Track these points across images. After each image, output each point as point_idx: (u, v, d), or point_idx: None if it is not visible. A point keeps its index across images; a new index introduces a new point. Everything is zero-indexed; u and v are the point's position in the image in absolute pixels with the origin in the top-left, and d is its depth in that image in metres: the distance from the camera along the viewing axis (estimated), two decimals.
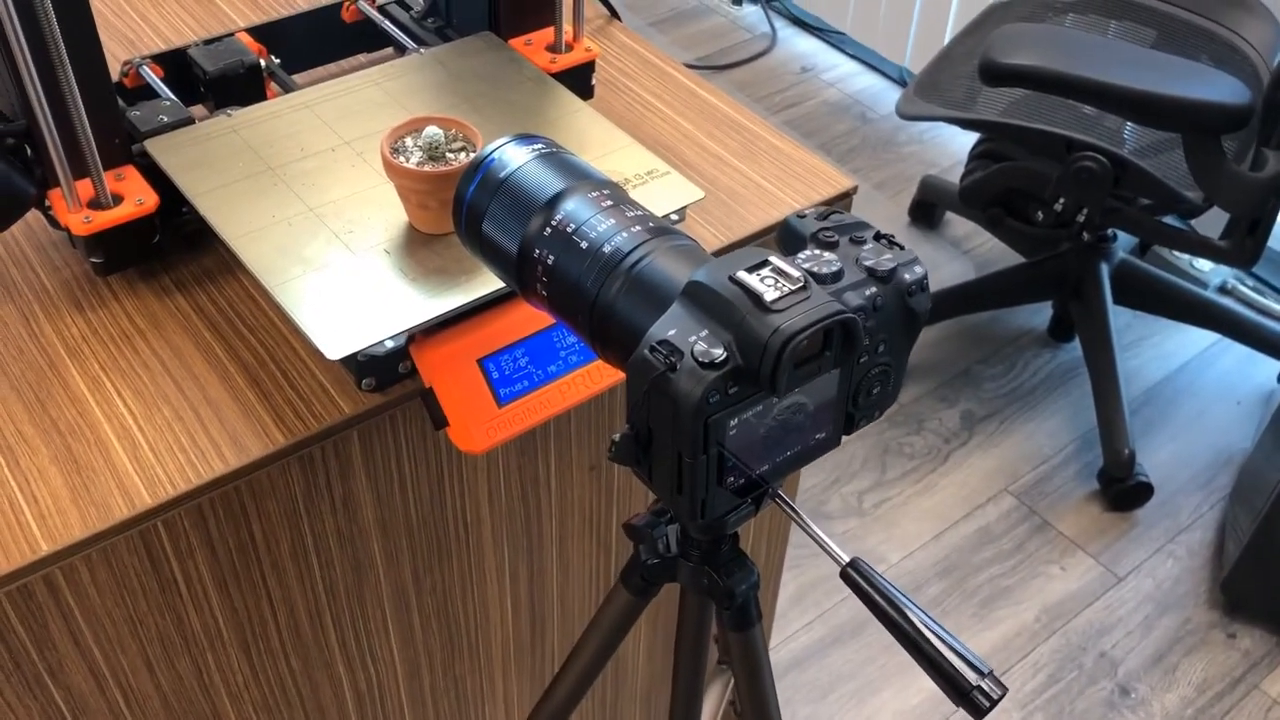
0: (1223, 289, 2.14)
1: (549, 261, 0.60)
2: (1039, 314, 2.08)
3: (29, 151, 0.78)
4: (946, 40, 2.46)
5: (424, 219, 0.75)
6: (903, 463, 1.84)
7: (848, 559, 0.57)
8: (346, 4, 1.01)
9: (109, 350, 0.78)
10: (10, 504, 0.68)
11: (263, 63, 0.94)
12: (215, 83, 0.92)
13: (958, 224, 2.28)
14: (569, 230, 0.59)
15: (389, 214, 0.77)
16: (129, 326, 0.80)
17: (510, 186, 0.62)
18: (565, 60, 0.95)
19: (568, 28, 0.96)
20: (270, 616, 0.80)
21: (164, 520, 0.70)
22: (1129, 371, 1.98)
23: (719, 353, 0.49)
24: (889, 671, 1.58)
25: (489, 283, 0.73)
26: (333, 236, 0.75)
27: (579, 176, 0.62)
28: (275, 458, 0.72)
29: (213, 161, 0.81)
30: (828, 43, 2.76)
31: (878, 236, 0.56)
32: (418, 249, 0.75)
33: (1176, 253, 2.17)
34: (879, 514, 1.77)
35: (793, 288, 0.50)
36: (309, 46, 1.02)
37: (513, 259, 0.62)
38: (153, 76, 0.91)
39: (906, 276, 0.55)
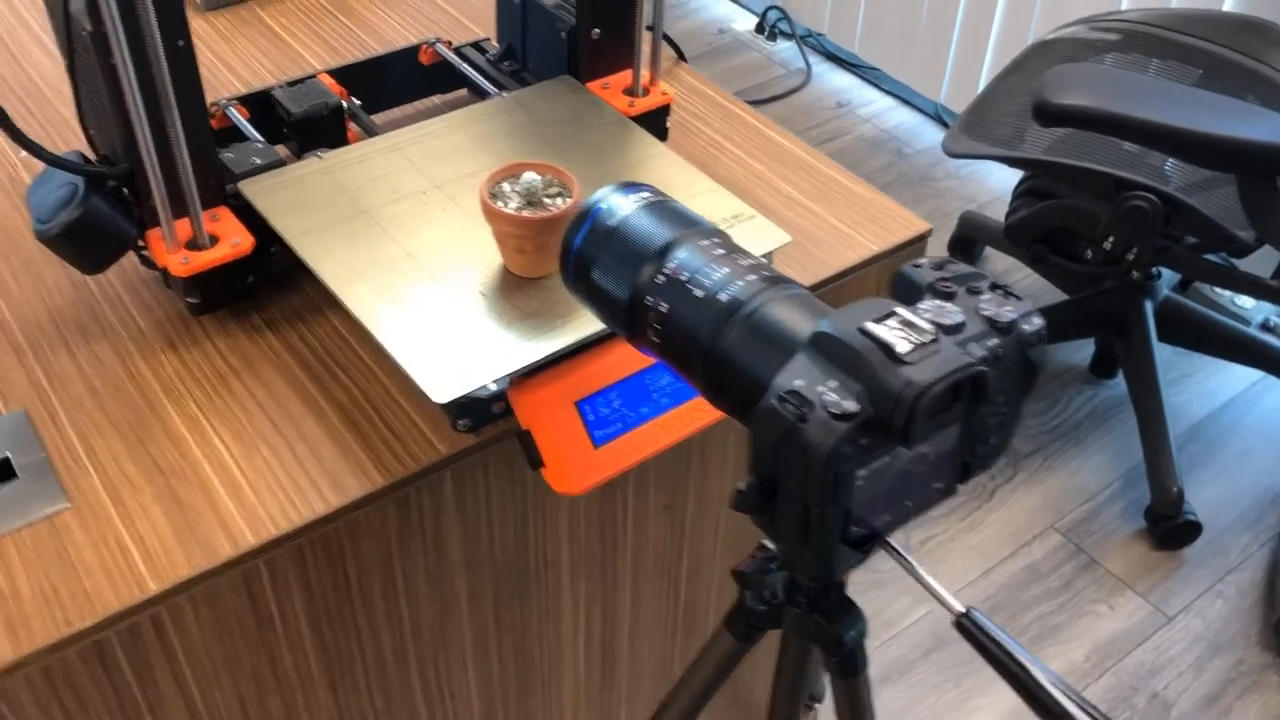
0: (1265, 326, 2.14)
1: (663, 309, 0.60)
2: (1081, 350, 2.09)
3: (128, 193, 0.80)
4: (983, 77, 2.48)
5: (520, 263, 0.76)
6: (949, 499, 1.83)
7: (962, 609, 0.57)
8: (424, 47, 1.03)
9: (205, 390, 0.79)
10: (118, 543, 0.69)
11: (345, 104, 0.95)
12: (300, 124, 0.93)
13: (996, 259, 2.28)
14: (683, 279, 0.60)
15: (483, 256, 0.78)
16: (223, 366, 0.81)
17: (620, 235, 0.63)
18: (643, 104, 0.96)
19: (645, 72, 0.97)
20: (358, 654, 0.81)
21: (266, 559, 0.71)
22: (1172, 408, 1.98)
23: (851, 405, 0.50)
24: (939, 711, 1.57)
25: (585, 326, 0.74)
26: (429, 279, 0.76)
27: (688, 224, 0.63)
28: (373, 498, 0.73)
29: (306, 203, 0.82)
30: (862, 78, 2.77)
31: (993, 286, 0.57)
32: (513, 292, 0.76)
33: (1218, 289, 2.17)
34: (925, 550, 1.76)
35: (923, 340, 0.51)
36: (387, 88, 1.03)
37: (623, 306, 0.62)
38: (239, 117, 0.93)
39: (1026, 328, 0.55)
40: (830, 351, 0.52)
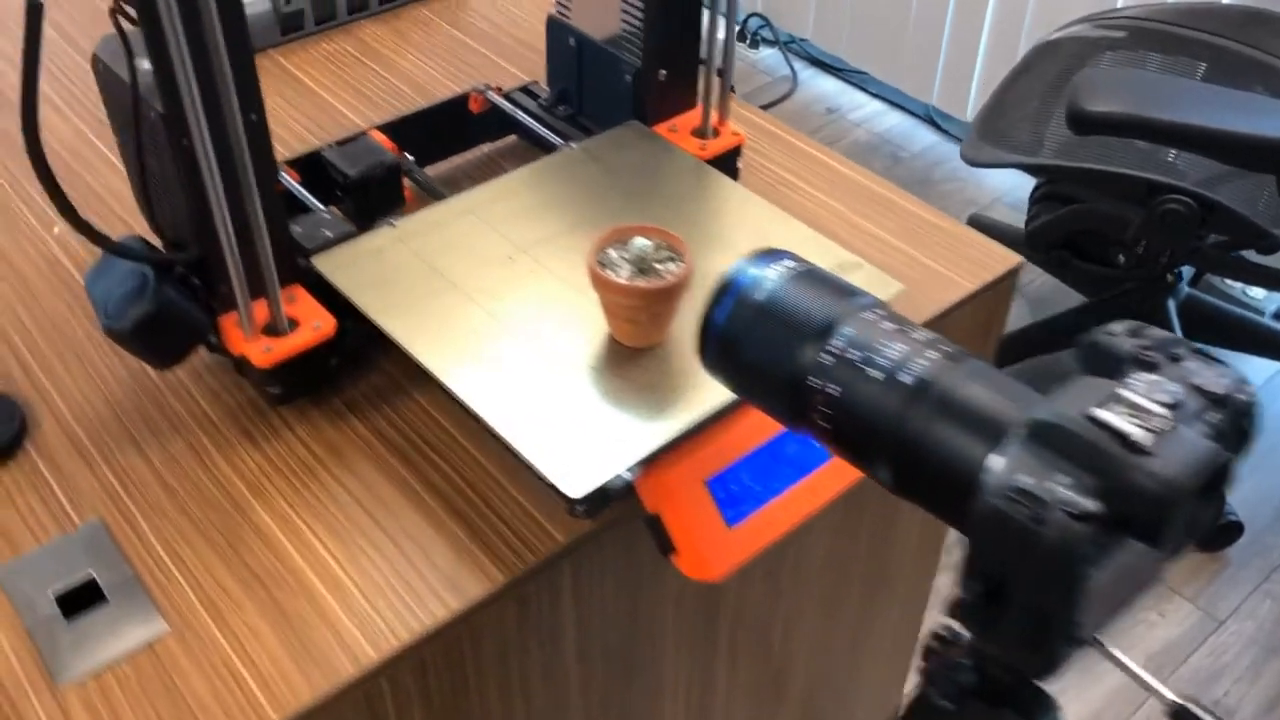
0: (1279, 315, 2.13)
1: (833, 393, 0.56)
2: None
3: (197, 280, 0.74)
4: (976, 76, 2.46)
5: (631, 333, 0.72)
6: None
7: (1179, 700, 0.53)
8: (474, 95, 0.98)
9: (292, 485, 0.73)
10: (229, 669, 0.64)
11: (401, 162, 0.90)
12: (357, 186, 0.88)
13: None
14: (854, 358, 0.56)
15: (585, 325, 0.74)
16: (308, 456, 0.75)
17: (772, 312, 0.59)
18: (715, 146, 0.92)
19: (714, 112, 0.92)
20: None
21: (388, 676, 0.65)
22: None
23: (1090, 504, 0.46)
24: None
25: (706, 397, 0.69)
26: (533, 353, 0.71)
27: (844, 295, 0.59)
28: (495, 598, 0.68)
29: (387, 277, 0.77)
30: (849, 83, 2.75)
31: (1194, 351, 0.53)
32: (624, 364, 0.71)
33: (1228, 281, 2.16)
34: None
35: (1160, 426, 0.47)
36: (436, 140, 0.98)
37: (782, 391, 0.58)
38: (293, 183, 0.87)
39: (1241, 398, 0.51)
40: (1057, 443, 0.48)
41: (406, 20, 1.18)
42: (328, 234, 0.79)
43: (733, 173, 0.95)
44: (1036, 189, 1.84)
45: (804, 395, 0.57)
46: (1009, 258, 0.92)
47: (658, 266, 0.70)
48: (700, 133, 0.92)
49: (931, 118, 2.62)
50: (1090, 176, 1.63)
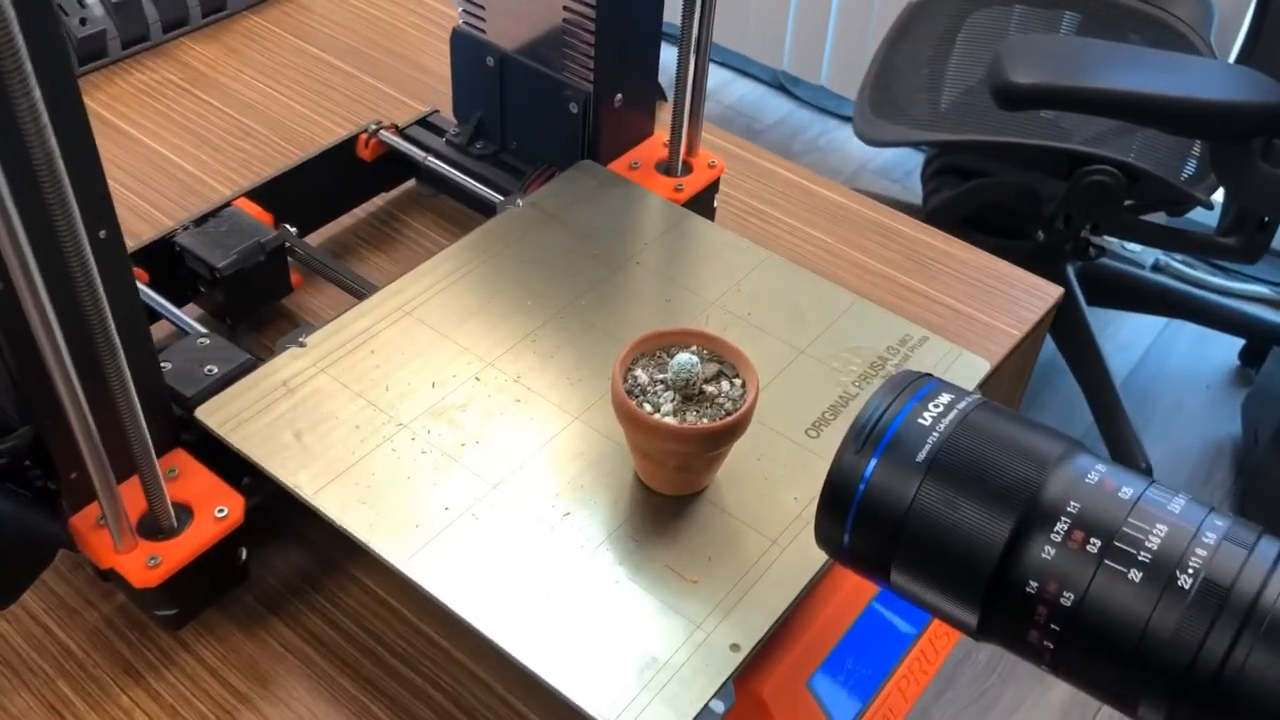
0: (1156, 267, 2.09)
1: (1065, 604, 0.38)
2: None
3: (29, 465, 0.50)
4: (829, 36, 2.32)
5: (676, 481, 0.52)
6: None
7: None
8: (365, 137, 0.75)
9: None
10: None
11: (285, 240, 0.68)
12: (231, 280, 0.65)
13: None
14: (1094, 549, 0.38)
15: (600, 470, 0.54)
16: (222, 693, 0.53)
17: (947, 480, 0.40)
18: (691, 184, 0.72)
19: (683, 141, 0.73)
20: None
21: None
22: None
23: None
24: None
25: (790, 563, 0.51)
26: (538, 523, 0.51)
27: (1043, 446, 0.41)
28: None
29: (311, 425, 0.54)
30: None
31: None
32: (667, 522, 0.52)
33: (1106, 238, 2.11)
34: None
35: None
36: (320, 200, 0.75)
37: (973, 594, 0.40)
38: (142, 287, 0.63)
39: None
40: None
41: (239, 34, 0.93)
42: (213, 369, 0.56)
43: (710, 212, 0.76)
44: (929, 162, 1.72)
45: (1014, 603, 0.39)
46: (1049, 291, 0.77)
47: (709, 389, 0.51)
48: (668, 168, 0.73)
49: (783, 85, 2.48)
50: (1005, 150, 1.51)
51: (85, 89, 0.86)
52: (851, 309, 0.63)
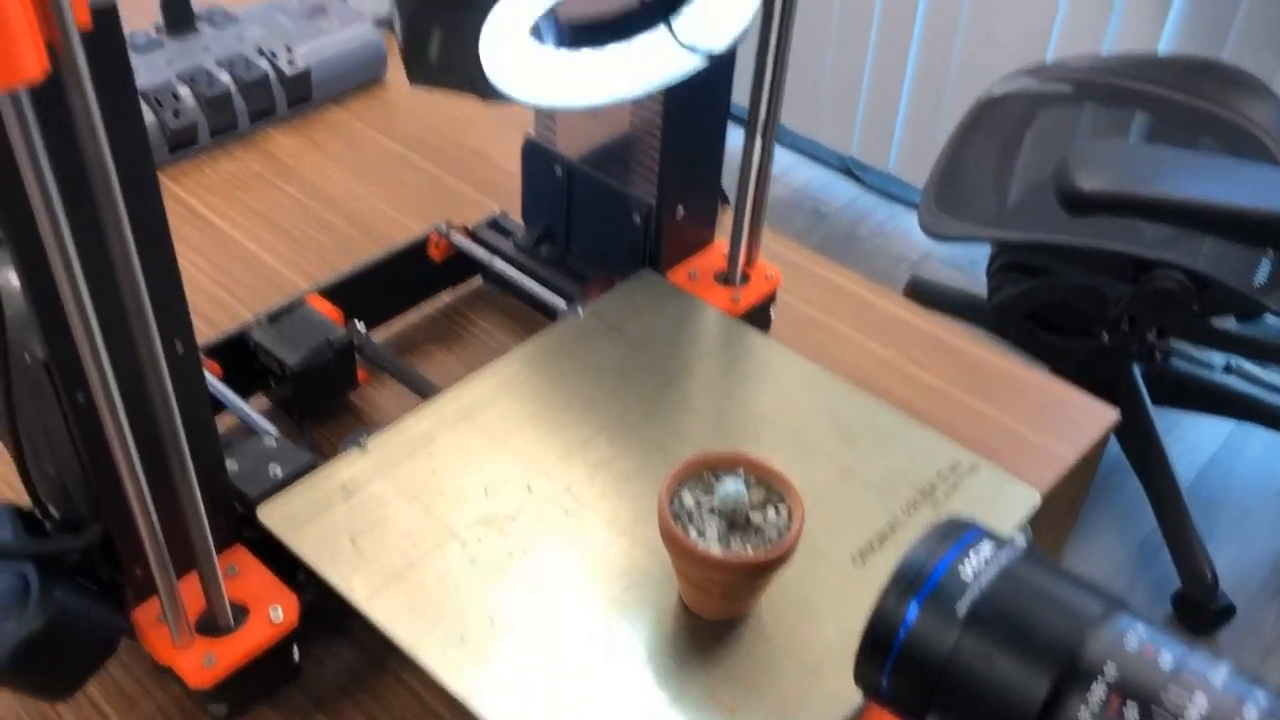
0: (1227, 369, 2.06)
1: None
2: None
3: (98, 560, 0.53)
4: (899, 126, 2.34)
5: (718, 608, 0.53)
6: None
7: None
8: (435, 238, 0.78)
9: None
10: None
11: (353, 338, 0.70)
12: (300, 377, 0.67)
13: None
14: (1131, 715, 0.38)
15: (646, 590, 0.54)
16: None
17: (984, 633, 0.41)
18: (749, 296, 0.74)
19: (742, 251, 0.75)
20: None
21: None
22: None
23: None
24: None
25: (832, 691, 0.51)
26: (582, 642, 0.52)
27: (1086, 602, 0.41)
28: None
29: (365, 528, 0.56)
30: None
31: None
32: (708, 646, 0.52)
33: (1174, 340, 2.08)
34: None
35: None
36: (388, 296, 0.78)
37: None
38: (215, 382, 0.66)
39: None
40: None
41: (322, 126, 0.97)
42: (277, 472, 0.58)
43: (765, 323, 0.77)
44: (995, 257, 1.72)
45: None
46: (1105, 415, 0.76)
47: (755, 517, 0.52)
48: (726, 278, 0.75)
49: (850, 169, 2.50)
50: (1070, 252, 1.51)
51: (174, 176, 0.91)
52: (902, 430, 0.63)
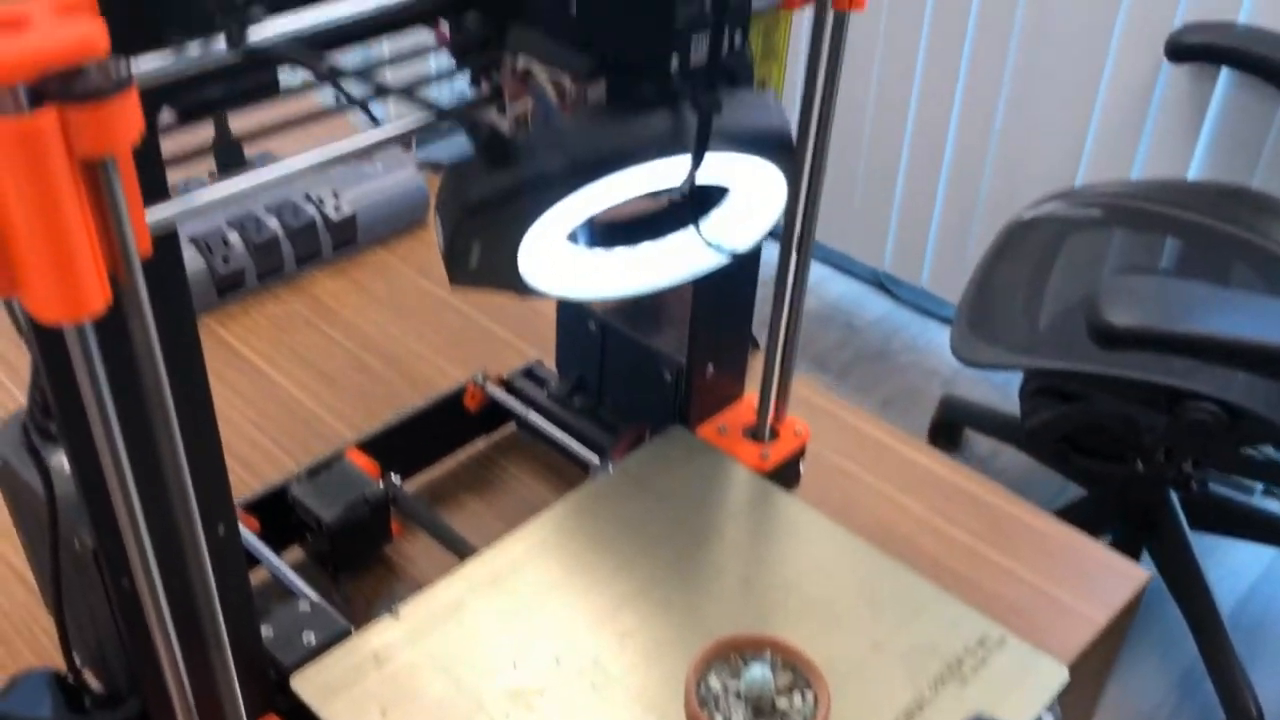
0: (1267, 492, 2.03)
1: None
2: None
3: None
4: (931, 240, 2.36)
5: None
6: None
7: None
8: (471, 387, 0.80)
9: None
10: None
11: (389, 493, 0.71)
12: (337, 534, 0.69)
13: (978, 441, 2.14)
14: None
15: None
16: None
17: None
18: (777, 453, 0.75)
19: (771, 408, 0.76)
20: None
21: None
22: None
23: None
24: None
25: None
26: None
27: None
28: None
29: (395, 699, 0.57)
30: None
31: None
32: None
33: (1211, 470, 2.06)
34: None
35: None
36: (425, 447, 0.80)
37: None
38: (253, 539, 0.68)
39: None
40: None
41: (366, 268, 1.00)
42: (311, 640, 0.59)
43: (795, 477, 0.78)
44: (1027, 381, 1.72)
45: None
46: (1136, 575, 0.76)
47: (780, 703, 0.52)
48: (755, 433, 0.76)
49: (882, 283, 2.52)
50: (1102, 381, 1.51)
51: (221, 319, 0.94)
52: (930, 600, 0.64)
